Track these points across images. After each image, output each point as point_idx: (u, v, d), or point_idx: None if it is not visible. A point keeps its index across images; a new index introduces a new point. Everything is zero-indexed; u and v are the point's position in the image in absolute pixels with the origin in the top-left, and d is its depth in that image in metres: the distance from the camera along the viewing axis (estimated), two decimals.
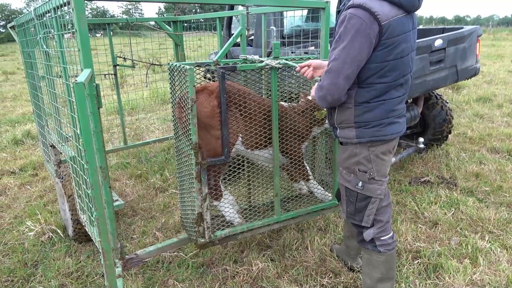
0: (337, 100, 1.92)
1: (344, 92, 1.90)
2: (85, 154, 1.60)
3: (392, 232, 2.20)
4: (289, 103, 2.71)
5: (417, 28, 2.04)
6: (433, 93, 4.54)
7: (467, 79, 4.18)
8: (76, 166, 2.33)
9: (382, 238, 2.15)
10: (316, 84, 2.01)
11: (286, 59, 2.51)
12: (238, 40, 3.43)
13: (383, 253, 2.15)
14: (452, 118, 4.59)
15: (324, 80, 1.90)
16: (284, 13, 4.19)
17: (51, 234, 3.25)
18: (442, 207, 3.52)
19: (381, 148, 2.01)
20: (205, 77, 4.31)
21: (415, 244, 2.96)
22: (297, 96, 2.79)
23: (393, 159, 4.01)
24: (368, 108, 1.93)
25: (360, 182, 2.05)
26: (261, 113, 2.48)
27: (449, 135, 4.89)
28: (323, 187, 2.92)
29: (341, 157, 2.14)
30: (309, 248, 2.95)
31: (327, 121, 2.54)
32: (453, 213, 3.40)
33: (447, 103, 4.59)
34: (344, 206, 2.23)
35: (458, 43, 3.78)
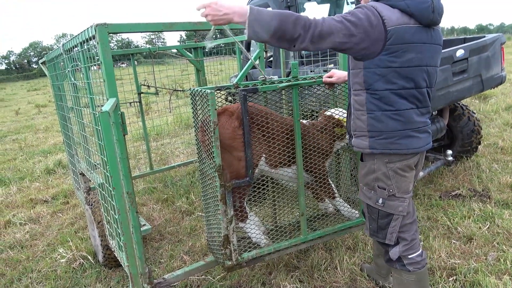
0: (301, 47, 1.74)
1: (309, 49, 1.75)
2: (112, 180, 1.65)
3: (421, 250, 2.12)
4: (309, 121, 2.71)
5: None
6: (459, 104, 4.44)
7: (493, 88, 4.08)
8: (104, 193, 2.39)
9: (409, 256, 2.07)
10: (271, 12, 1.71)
11: (305, 79, 2.54)
12: (258, 62, 3.49)
13: (413, 272, 2.07)
14: (481, 129, 4.46)
15: (312, 22, 1.70)
16: None
17: (82, 260, 3.31)
18: (476, 221, 3.38)
19: (400, 164, 1.94)
20: (226, 100, 4.38)
21: (449, 261, 2.84)
22: (317, 113, 2.80)
23: (421, 174, 3.91)
24: (381, 116, 1.89)
25: (381, 199, 1.99)
26: (283, 131, 2.48)
27: (479, 146, 4.74)
28: (350, 205, 2.87)
29: (361, 173, 2.11)
30: (339, 268, 2.88)
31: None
32: (488, 227, 3.25)
33: (474, 113, 4.47)
34: (367, 223, 2.17)
35: (481, 52, 3.71)
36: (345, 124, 2.57)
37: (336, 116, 2.63)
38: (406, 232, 2.06)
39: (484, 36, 3.98)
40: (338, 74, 2.46)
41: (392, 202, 1.98)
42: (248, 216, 2.53)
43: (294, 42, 1.71)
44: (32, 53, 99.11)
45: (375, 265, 2.67)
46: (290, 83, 2.40)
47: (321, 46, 1.76)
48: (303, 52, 4.62)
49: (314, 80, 2.50)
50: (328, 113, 2.67)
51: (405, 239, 2.06)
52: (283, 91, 2.76)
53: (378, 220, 2.06)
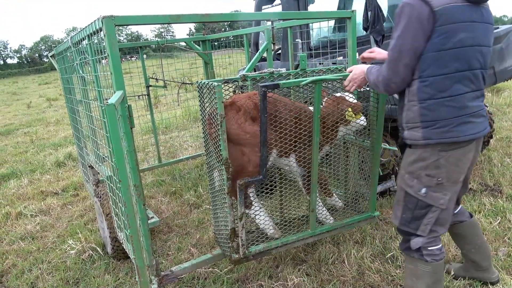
0: (399, 87, 1.91)
1: (406, 80, 1.88)
2: (118, 172, 1.65)
3: (441, 244, 2.09)
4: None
5: None
6: None
7: (507, 81, 3.99)
8: (112, 185, 2.40)
9: (429, 248, 2.04)
10: (373, 70, 2.02)
11: (318, 72, 2.49)
12: (265, 55, 3.47)
13: (430, 263, 2.04)
14: (493, 122, 4.38)
15: (384, 70, 1.90)
16: (310, 25, 4.20)
17: (91, 252, 3.35)
18: (487, 216, 3.33)
19: (454, 152, 1.88)
20: (234, 93, 4.37)
21: (458, 255, 2.80)
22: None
23: None
24: (435, 105, 1.84)
25: (424, 188, 1.93)
26: (291, 116, 2.39)
27: (491, 140, 4.66)
28: (358, 199, 2.83)
29: (406, 161, 2.02)
30: (346, 262, 2.87)
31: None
32: (499, 222, 3.20)
33: (486, 106, 4.39)
34: (398, 212, 2.09)
35: (494, 44, 3.62)
36: (360, 109, 2.49)
37: (350, 100, 2.50)
38: (439, 226, 2.02)
39: (498, 28, 3.89)
40: (378, 50, 2.40)
41: (435, 193, 1.93)
42: (252, 202, 2.47)
43: (398, 88, 1.96)
44: (43, 47, 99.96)
45: (471, 263, 2.47)
46: (314, 78, 2.20)
47: (406, 73, 1.88)
48: (311, 44, 4.58)
49: (339, 74, 2.34)
50: (338, 94, 2.56)
51: (436, 231, 2.02)
52: (291, 79, 2.72)
53: (414, 210, 2.01)
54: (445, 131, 1.85)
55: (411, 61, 1.82)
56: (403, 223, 2.07)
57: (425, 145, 1.91)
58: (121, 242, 2.85)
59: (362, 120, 2.52)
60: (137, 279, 1.90)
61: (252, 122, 2.27)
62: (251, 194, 2.47)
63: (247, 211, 2.48)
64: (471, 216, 2.38)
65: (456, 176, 1.94)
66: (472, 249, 2.40)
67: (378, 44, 4.64)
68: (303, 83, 2.16)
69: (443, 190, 1.93)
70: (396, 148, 3.51)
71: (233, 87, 2.42)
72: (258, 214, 2.48)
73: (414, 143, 1.96)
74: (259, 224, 2.50)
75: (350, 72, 2.27)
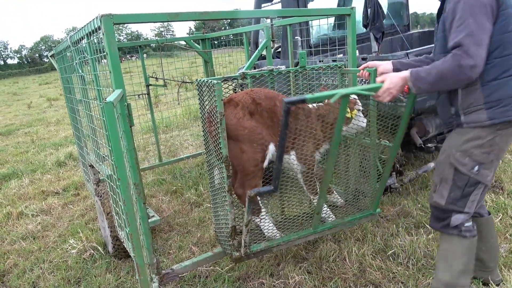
0: (480, 72, 1.84)
1: (484, 63, 1.85)
2: (117, 170, 1.65)
3: (472, 221, 2.16)
4: (315, 105, 2.55)
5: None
6: None
7: None
8: (112, 184, 2.40)
9: (466, 225, 2.10)
10: (424, 69, 1.92)
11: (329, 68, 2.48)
12: (265, 52, 3.46)
13: (468, 239, 2.10)
14: None
15: (464, 59, 1.78)
16: (310, 22, 4.19)
17: (92, 251, 3.35)
18: None
19: (507, 131, 1.95)
20: (234, 91, 4.38)
21: None
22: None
23: (432, 164, 3.85)
24: (498, 85, 1.89)
25: (477, 166, 1.99)
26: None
27: None
28: (359, 196, 2.83)
29: (459, 140, 2.03)
30: (347, 260, 2.86)
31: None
32: (500, 219, 3.20)
33: None
34: (445, 191, 2.10)
35: None
36: (354, 105, 2.47)
37: (352, 97, 2.47)
38: (481, 201, 2.12)
39: None
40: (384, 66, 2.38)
41: (485, 170, 2.00)
42: (261, 209, 2.47)
43: (477, 75, 1.83)
44: (43, 47, 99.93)
45: (477, 262, 2.41)
46: (343, 91, 1.84)
47: (485, 57, 1.83)
48: (311, 41, 4.57)
49: (369, 85, 2.03)
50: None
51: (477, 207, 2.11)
52: (290, 77, 2.72)
53: (464, 188, 2.05)
54: (507, 109, 1.90)
55: (488, 44, 1.84)
56: (450, 201, 2.10)
57: (490, 125, 1.94)
58: (122, 241, 2.85)
59: (362, 120, 2.52)
60: (137, 277, 1.90)
61: (250, 117, 2.27)
62: (260, 201, 2.45)
63: (255, 218, 2.47)
64: (489, 213, 2.42)
65: (502, 154, 2.03)
66: (483, 247, 2.40)
67: (378, 41, 4.63)
68: (332, 99, 1.84)
69: (491, 167, 2.01)
70: None
71: (233, 85, 2.42)
72: (266, 223, 2.47)
73: (476, 126, 1.98)
74: (265, 232, 2.48)
75: (382, 82, 2.04)
